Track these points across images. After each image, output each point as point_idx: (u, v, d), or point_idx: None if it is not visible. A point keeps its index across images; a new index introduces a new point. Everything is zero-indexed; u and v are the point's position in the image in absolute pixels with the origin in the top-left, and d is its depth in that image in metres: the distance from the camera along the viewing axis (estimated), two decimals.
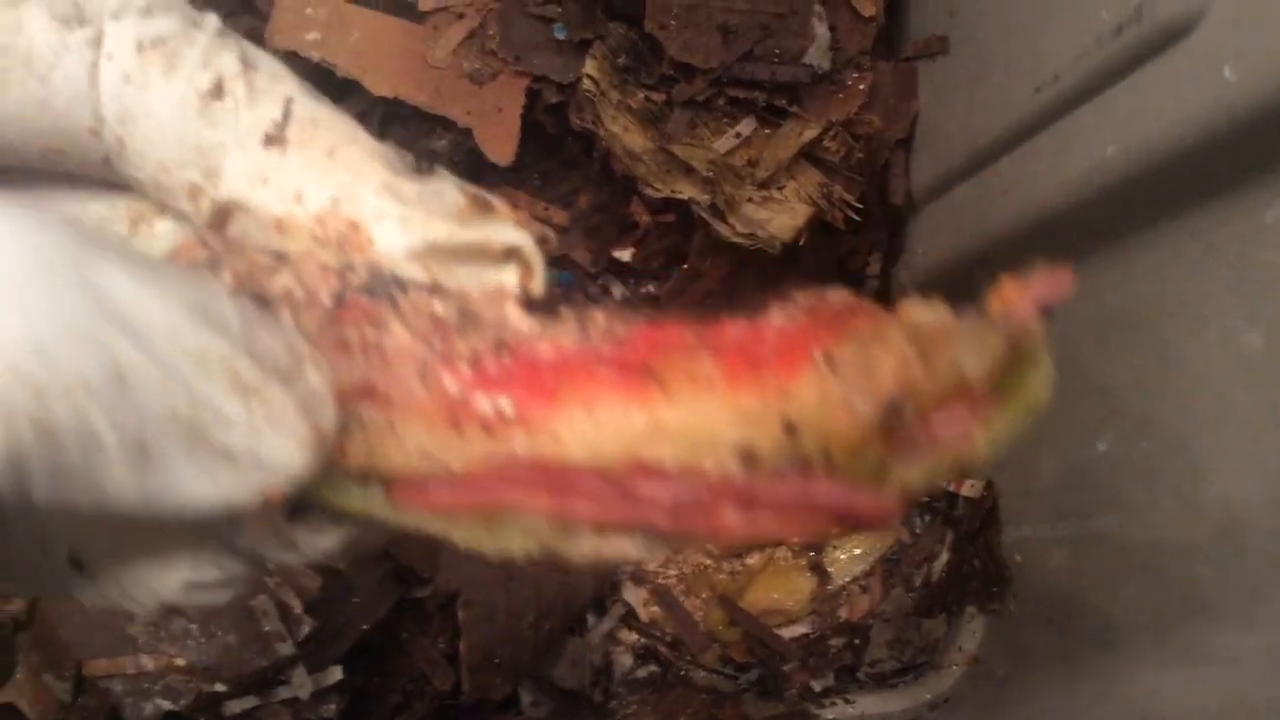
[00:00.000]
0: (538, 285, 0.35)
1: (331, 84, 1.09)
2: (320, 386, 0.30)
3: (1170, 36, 0.69)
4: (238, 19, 1.16)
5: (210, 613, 0.88)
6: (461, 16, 1.07)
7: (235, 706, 0.90)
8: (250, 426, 0.28)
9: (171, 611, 0.32)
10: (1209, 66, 0.67)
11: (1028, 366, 0.33)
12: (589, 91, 1.03)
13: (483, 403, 0.32)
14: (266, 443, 0.28)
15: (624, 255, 1.14)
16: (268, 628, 0.88)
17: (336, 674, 0.93)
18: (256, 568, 0.34)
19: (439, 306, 0.34)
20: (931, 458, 0.32)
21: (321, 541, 0.33)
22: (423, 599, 1.02)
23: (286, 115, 0.33)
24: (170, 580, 0.33)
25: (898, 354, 0.31)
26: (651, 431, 0.32)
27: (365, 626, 0.96)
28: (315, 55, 1.06)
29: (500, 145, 1.06)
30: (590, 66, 1.03)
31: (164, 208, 0.37)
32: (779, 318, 0.34)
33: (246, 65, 0.33)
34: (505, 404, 0.32)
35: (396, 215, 0.33)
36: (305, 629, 0.90)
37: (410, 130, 1.11)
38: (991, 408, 0.32)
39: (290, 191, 0.33)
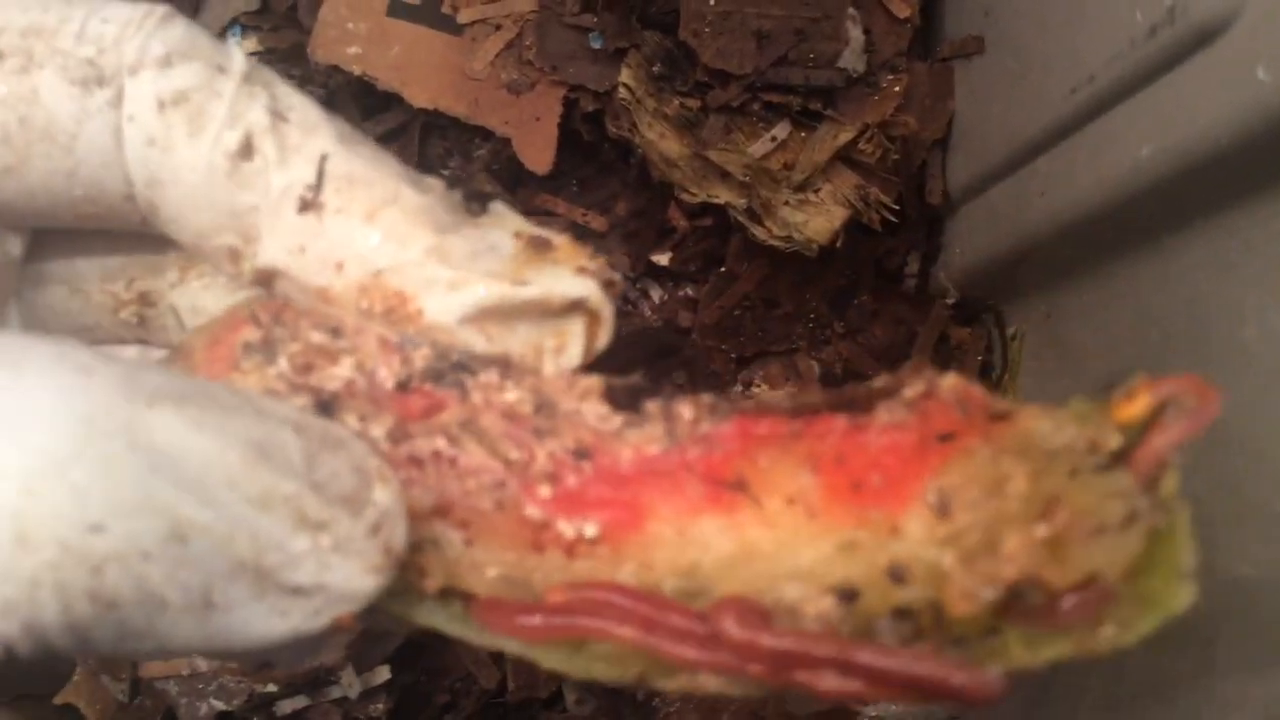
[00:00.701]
0: (604, 338, 0.34)
1: (373, 96, 1.11)
2: (390, 504, 0.29)
3: (1204, 37, 0.69)
4: (282, 33, 1.19)
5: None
6: (499, 28, 1.09)
7: (287, 706, 0.92)
8: (319, 561, 0.27)
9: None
10: (1243, 67, 0.67)
11: (1167, 565, 0.29)
12: (625, 99, 1.04)
13: (565, 528, 0.31)
14: (336, 574, 0.28)
15: (662, 259, 1.15)
16: None
17: (384, 673, 0.95)
18: None
19: (512, 394, 0.32)
20: (1054, 641, 0.29)
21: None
22: None
23: (321, 176, 0.31)
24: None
25: (1024, 536, 0.29)
26: (745, 557, 0.30)
27: None
28: (356, 69, 1.09)
29: (538, 154, 1.08)
30: (625, 75, 1.04)
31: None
32: (885, 415, 0.32)
33: (276, 117, 0.31)
34: (589, 528, 0.31)
35: (446, 280, 0.31)
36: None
37: (450, 140, 1.13)
38: (1126, 606, 0.29)
39: (331, 261, 0.32)
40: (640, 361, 1.12)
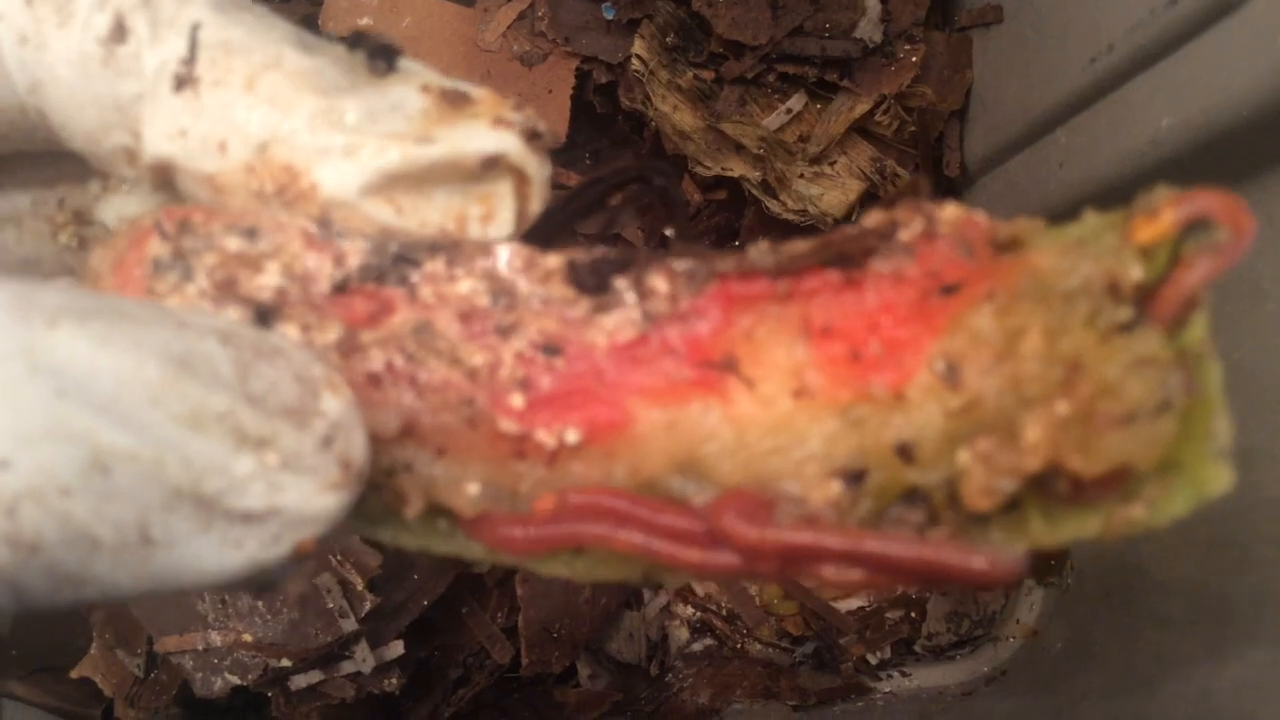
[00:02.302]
0: (537, 200, 0.30)
1: None
2: (341, 413, 0.26)
3: (1224, 7, 0.68)
4: (293, 4, 1.18)
5: (276, 591, 0.90)
6: None
7: (301, 681, 0.92)
8: (268, 482, 0.24)
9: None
10: (1263, 37, 0.66)
11: (1200, 438, 0.27)
12: (638, 71, 1.03)
13: (545, 438, 0.28)
14: (290, 494, 0.24)
15: (675, 233, 1.15)
16: (331, 605, 0.90)
17: (398, 648, 0.96)
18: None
19: (465, 285, 0.28)
20: (1077, 516, 0.27)
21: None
22: (481, 575, 1.04)
23: (194, 46, 0.27)
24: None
25: (1046, 421, 0.26)
26: (741, 443, 0.28)
27: (425, 602, 0.98)
28: None
29: (551, 126, 1.07)
30: (639, 46, 1.03)
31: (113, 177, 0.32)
32: (881, 266, 0.28)
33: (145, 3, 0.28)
34: (571, 435, 0.28)
35: (339, 147, 0.27)
36: (367, 605, 0.92)
37: None
38: (1156, 484, 0.26)
39: (214, 142, 0.28)
40: None
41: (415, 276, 0.28)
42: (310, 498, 0.25)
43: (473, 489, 0.28)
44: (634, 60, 1.03)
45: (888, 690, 1.10)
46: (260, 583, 0.26)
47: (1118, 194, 0.86)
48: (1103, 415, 0.26)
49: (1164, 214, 0.27)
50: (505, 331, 0.28)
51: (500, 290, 0.28)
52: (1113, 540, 0.26)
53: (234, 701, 0.93)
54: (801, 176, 1.05)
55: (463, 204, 0.29)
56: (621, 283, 0.29)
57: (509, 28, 1.07)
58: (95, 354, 0.23)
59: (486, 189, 0.29)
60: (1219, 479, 0.26)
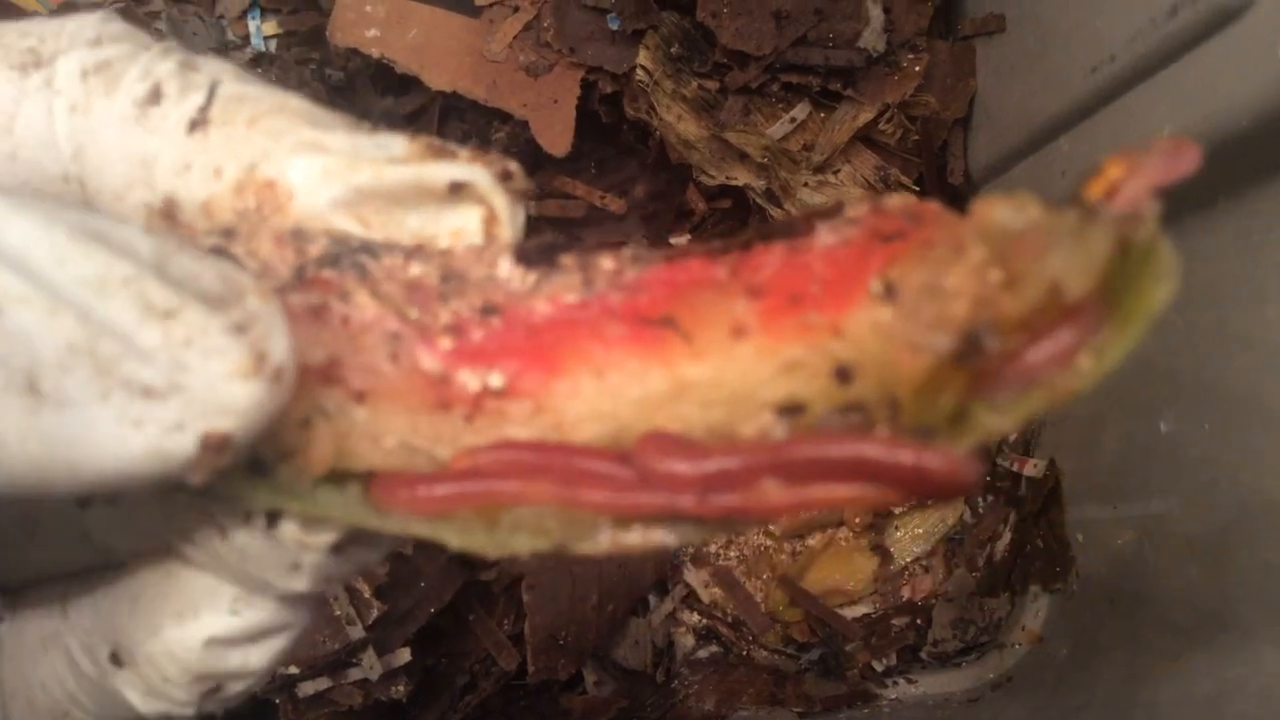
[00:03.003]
0: (505, 229, 0.30)
1: (391, 79, 1.11)
2: (262, 310, 0.25)
3: (1224, 17, 0.69)
4: (301, 16, 1.19)
5: None
6: (517, 10, 1.08)
7: (309, 688, 0.93)
8: (172, 358, 0.23)
9: (211, 693, 0.28)
10: (1263, 46, 0.66)
11: (1141, 265, 0.25)
12: (643, 81, 1.04)
13: (468, 378, 0.27)
14: (195, 376, 0.23)
15: (680, 242, 1.15)
16: (339, 612, 0.91)
17: (405, 655, 0.96)
18: (279, 611, 0.30)
19: (416, 269, 0.28)
20: (1023, 395, 0.25)
21: (318, 539, 0.28)
22: (488, 582, 1.05)
23: (211, 97, 0.29)
24: (192, 637, 0.29)
25: (972, 268, 0.25)
26: (676, 394, 0.26)
27: (432, 609, 0.99)
28: (375, 51, 1.09)
29: (556, 136, 1.08)
30: (644, 56, 1.04)
31: None
32: (828, 236, 0.27)
33: (185, 66, 0.30)
34: (495, 378, 0.27)
35: (319, 168, 0.28)
36: (374, 613, 0.92)
37: (469, 123, 1.13)
38: (1098, 324, 0.25)
39: (210, 170, 0.29)
40: None
41: (371, 265, 0.28)
42: (217, 382, 0.23)
43: (390, 442, 0.27)
44: (639, 70, 1.04)
45: (893, 697, 1.10)
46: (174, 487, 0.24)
47: None
48: (1028, 244, 0.25)
49: (1110, 169, 0.26)
50: (446, 297, 0.28)
51: (451, 274, 0.28)
52: (1063, 403, 0.25)
53: (242, 708, 0.93)
54: (806, 185, 1.06)
55: (433, 229, 0.30)
56: (568, 260, 0.28)
57: (515, 38, 1.08)
58: (7, 214, 0.22)
59: (457, 223, 0.30)
60: (1163, 291, 0.25)
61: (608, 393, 0.27)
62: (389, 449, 0.27)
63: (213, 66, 0.30)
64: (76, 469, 0.23)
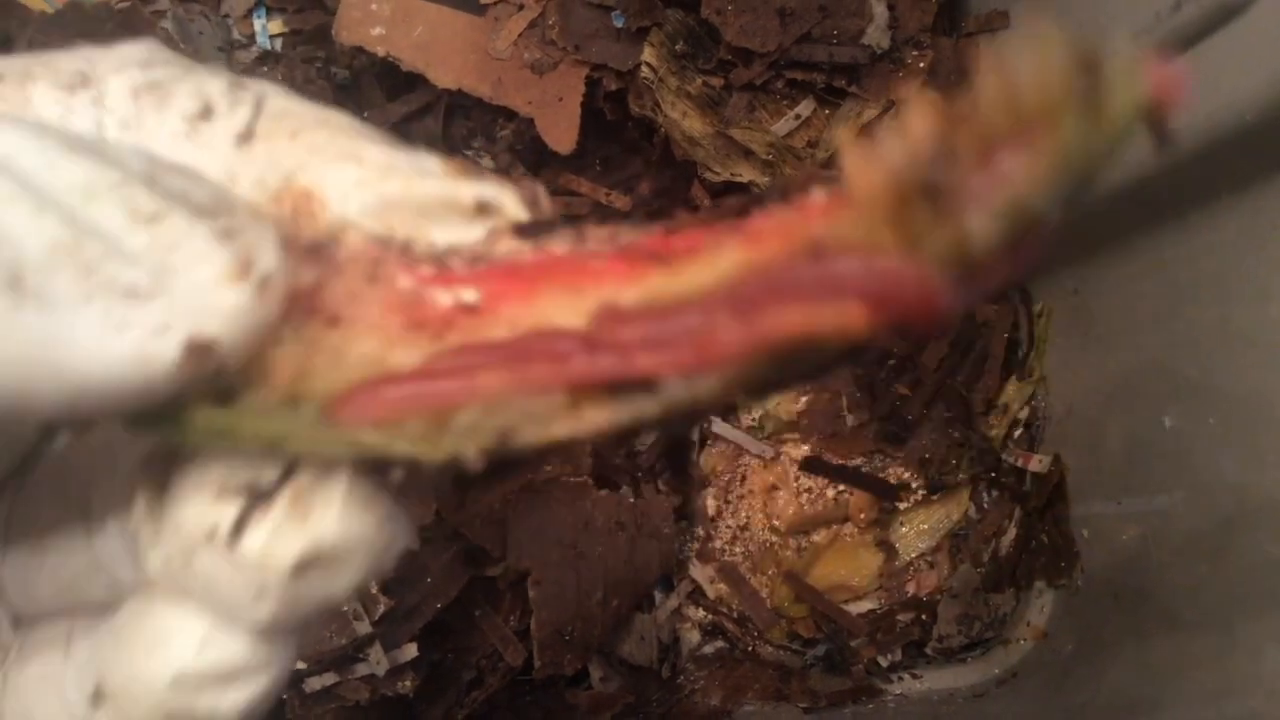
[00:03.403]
0: None
1: (397, 77, 1.12)
2: (252, 224, 0.25)
3: (1228, 12, 0.69)
4: (306, 15, 1.20)
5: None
6: (521, 8, 1.09)
7: (315, 683, 0.93)
8: (156, 260, 0.23)
9: None
10: (1267, 41, 0.67)
11: (1107, 74, 0.23)
12: (647, 78, 1.04)
13: (441, 295, 0.26)
14: (179, 278, 0.23)
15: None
16: (345, 607, 0.91)
17: (412, 651, 0.97)
18: (253, 649, 0.29)
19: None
20: (985, 207, 0.23)
21: (280, 557, 0.27)
22: (494, 577, 1.05)
23: (257, 111, 0.29)
24: (159, 673, 0.28)
25: (929, 101, 0.23)
26: (648, 302, 0.25)
27: (439, 605, 0.99)
28: (380, 50, 1.09)
29: (562, 133, 1.08)
30: (648, 54, 1.04)
31: None
32: (821, 195, 0.25)
33: (235, 85, 0.30)
34: (469, 294, 0.26)
35: (353, 177, 0.29)
36: (381, 608, 0.93)
37: (474, 121, 1.14)
38: (1061, 127, 0.22)
39: (254, 181, 0.29)
40: None
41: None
42: (203, 286, 0.23)
43: (355, 360, 0.26)
44: (644, 68, 1.04)
45: (899, 692, 1.11)
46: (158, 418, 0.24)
47: (1124, 197, 0.87)
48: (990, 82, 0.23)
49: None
50: (439, 256, 0.28)
51: (452, 248, 0.28)
52: (1038, 213, 0.23)
53: None
54: None
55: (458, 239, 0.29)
56: (564, 230, 0.28)
57: (520, 36, 1.09)
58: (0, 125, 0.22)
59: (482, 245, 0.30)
60: (1136, 90, 0.23)
61: (583, 311, 0.25)
62: (353, 368, 0.26)
63: (260, 85, 0.30)
64: (58, 371, 0.22)
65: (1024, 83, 0.23)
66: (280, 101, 0.30)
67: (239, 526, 0.27)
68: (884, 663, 1.13)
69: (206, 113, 0.29)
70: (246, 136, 0.29)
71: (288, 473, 0.27)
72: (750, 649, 1.14)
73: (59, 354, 0.22)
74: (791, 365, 0.25)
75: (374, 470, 0.28)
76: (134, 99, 0.29)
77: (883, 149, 0.23)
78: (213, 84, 0.29)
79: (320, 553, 0.28)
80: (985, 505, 1.19)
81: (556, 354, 0.24)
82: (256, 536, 0.27)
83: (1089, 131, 0.23)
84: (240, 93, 0.30)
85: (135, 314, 0.22)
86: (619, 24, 1.07)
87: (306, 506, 0.28)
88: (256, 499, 0.27)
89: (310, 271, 0.26)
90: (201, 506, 0.27)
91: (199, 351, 0.23)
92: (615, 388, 0.25)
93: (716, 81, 1.06)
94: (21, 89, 0.29)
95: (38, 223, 0.22)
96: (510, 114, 1.10)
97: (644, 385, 0.24)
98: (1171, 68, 0.23)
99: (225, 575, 0.27)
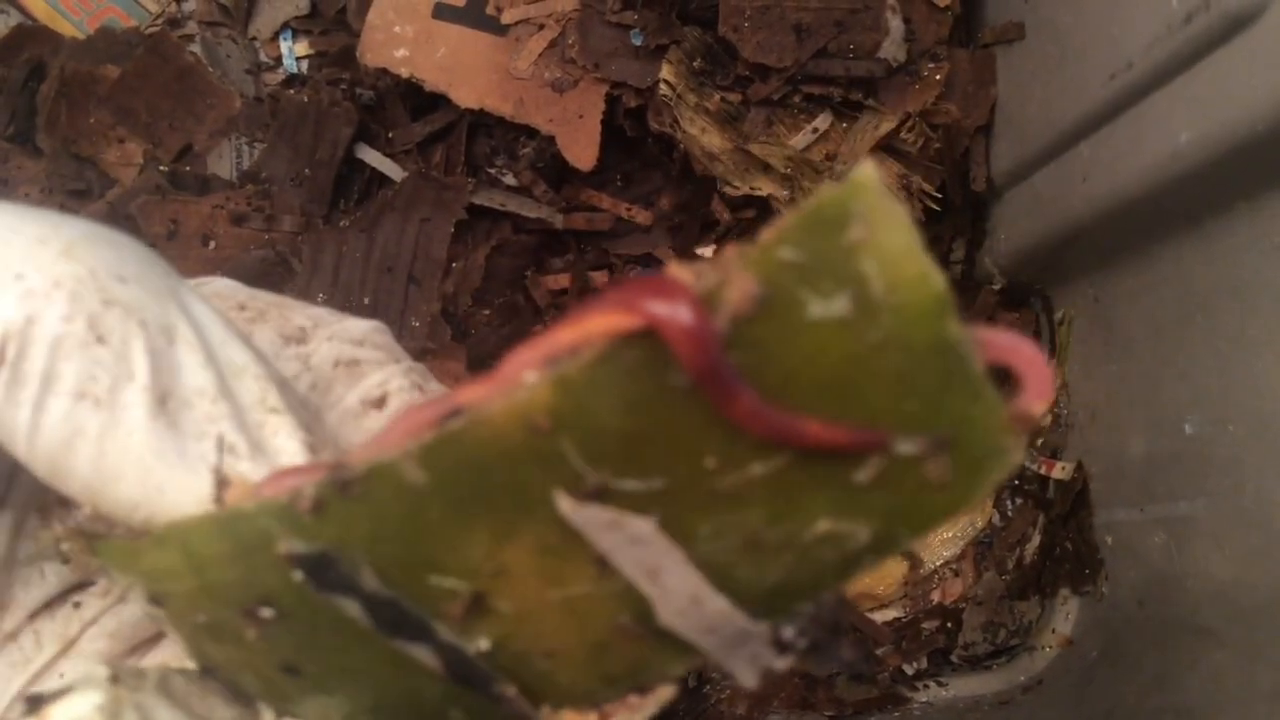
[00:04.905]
0: None
1: (420, 97, 1.14)
2: (324, 456, 0.31)
3: (1238, 24, 0.69)
4: (332, 37, 1.22)
5: None
6: (542, 27, 1.10)
7: None
8: (258, 435, 0.30)
9: None
10: (1277, 51, 0.67)
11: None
12: (666, 95, 1.05)
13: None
14: (268, 456, 0.30)
15: (706, 253, 1.16)
16: None
17: None
18: None
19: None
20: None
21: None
22: None
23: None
24: None
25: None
26: None
27: None
28: (404, 71, 1.11)
29: (582, 150, 1.09)
30: (667, 71, 1.06)
31: None
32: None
33: (415, 385, 0.36)
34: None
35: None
36: None
37: (496, 139, 1.15)
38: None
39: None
40: None
41: None
42: (282, 459, 0.31)
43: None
44: (662, 85, 1.06)
45: (924, 700, 1.11)
46: None
47: (1139, 207, 0.88)
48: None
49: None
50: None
51: None
52: None
53: None
54: None
55: None
56: None
57: (540, 55, 1.10)
58: (202, 308, 0.30)
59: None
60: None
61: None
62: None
63: (436, 385, 0.37)
64: (145, 477, 0.28)
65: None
66: (437, 387, 0.37)
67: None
68: (909, 670, 1.14)
69: (380, 402, 0.36)
70: (376, 403, 0.36)
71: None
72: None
73: (155, 465, 0.28)
74: None
75: None
76: (332, 368, 0.37)
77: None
78: (398, 380, 0.37)
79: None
80: (1009, 513, 1.19)
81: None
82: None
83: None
84: (419, 391, 0.37)
85: (226, 461, 0.29)
86: (637, 42, 1.08)
87: None
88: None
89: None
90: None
91: (235, 492, 0.29)
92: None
93: (734, 97, 1.07)
94: (250, 324, 0.37)
95: (201, 370, 0.29)
96: (532, 132, 1.12)
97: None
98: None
99: None
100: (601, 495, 0.25)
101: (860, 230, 0.22)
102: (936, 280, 0.22)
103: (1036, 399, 0.24)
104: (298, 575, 0.27)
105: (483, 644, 0.28)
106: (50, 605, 0.34)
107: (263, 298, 0.37)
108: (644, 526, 0.25)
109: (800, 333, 0.23)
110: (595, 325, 0.23)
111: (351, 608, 0.27)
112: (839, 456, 0.24)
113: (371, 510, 0.26)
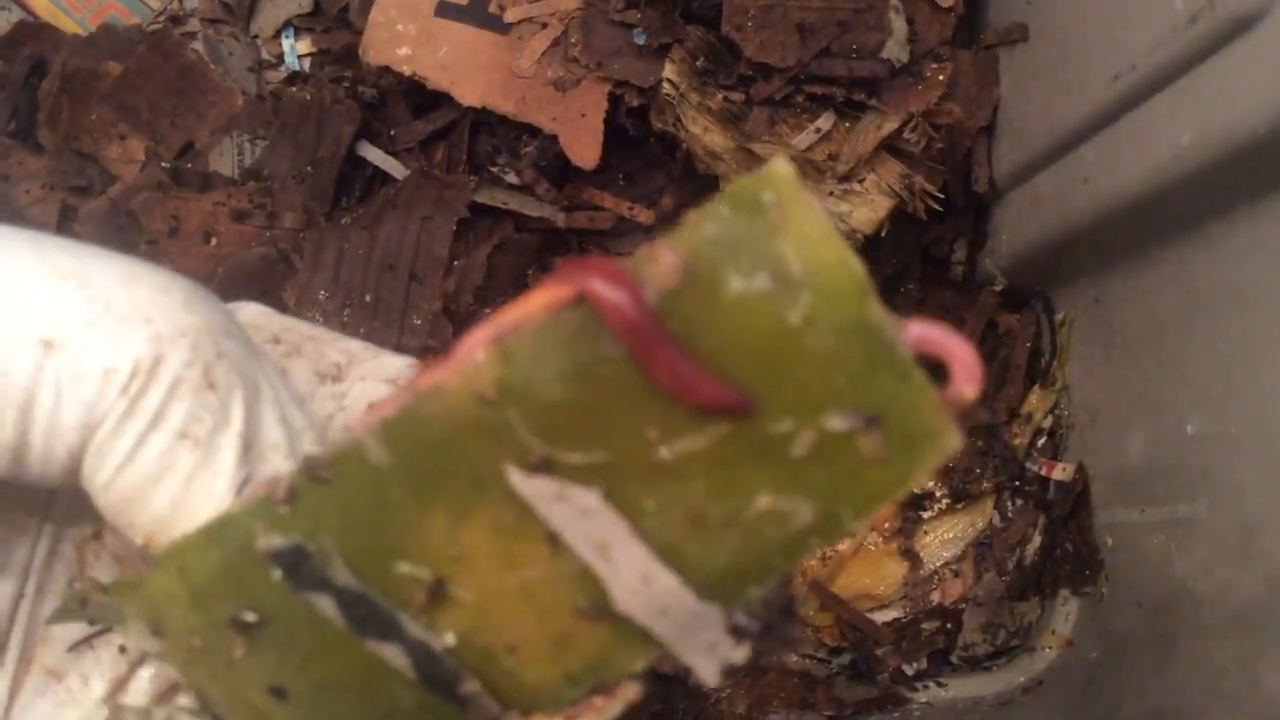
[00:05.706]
0: None
1: (423, 95, 1.14)
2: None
3: (1241, 25, 0.69)
4: (334, 35, 1.22)
5: None
6: (545, 26, 1.10)
7: None
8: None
9: None
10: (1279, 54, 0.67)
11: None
12: (669, 94, 1.06)
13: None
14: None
15: None
16: None
17: None
18: None
19: None
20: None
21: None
22: None
23: None
24: None
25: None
26: None
27: None
28: (407, 69, 1.11)
29: (585, 149, 1.09)
30: (670, 70, 1.06)
31: None
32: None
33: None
34: None
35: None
36: None
37: (498, 138, 1.15)
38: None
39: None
40: None
41: None
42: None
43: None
44: (665, 84, 1.06)
45: (924, 701, 1.11)
46: None
47: (1141, 209, 0.88)
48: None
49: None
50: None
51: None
52: None
53: None
54: (831, 194, 1.07)
55: None
56: None
57: (543, 54, 1.10)
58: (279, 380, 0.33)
59: None
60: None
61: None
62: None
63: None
64: (197, 516, 0.30)
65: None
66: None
67: None
68: (909, 671, 1.14)
69: None
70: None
71: None
72: (775, 658, 1.14)
73: (202, 487, 0.30)
74: None
75: None
76: (368, 408, 0.36)
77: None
78: None
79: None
80: (1009, 514, 1.19)
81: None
82: None
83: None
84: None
85: (250, 471, 0.31)
86: (640, 41, 1.08)
87: None
88: None
89: None
90: None
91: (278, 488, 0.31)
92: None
93: (737, 97, 1.07)
94: (285, 358, 0.38)
95: (276, 426, 0.31)
96: (534, 131, 1.12)
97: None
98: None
99: None
100: (548, 466, 0.26)
101: (775, 215, 0.24)
102: (854, 265, 0.24)
103: (966, 384, 0.26)
104: (276, 574, 0.28)
105: (449, 639, 0.29)
106: (90, 640, 0.35)
107: (296, 330, 0.39)
108: (589, 498, 0.26)
109: (725, 306, 0.25)
110: (536, 300, 0.25)
111: (327, 606, 0.28)
112: (775, 431, 0.25)
113: (340, 497, 0.28)
